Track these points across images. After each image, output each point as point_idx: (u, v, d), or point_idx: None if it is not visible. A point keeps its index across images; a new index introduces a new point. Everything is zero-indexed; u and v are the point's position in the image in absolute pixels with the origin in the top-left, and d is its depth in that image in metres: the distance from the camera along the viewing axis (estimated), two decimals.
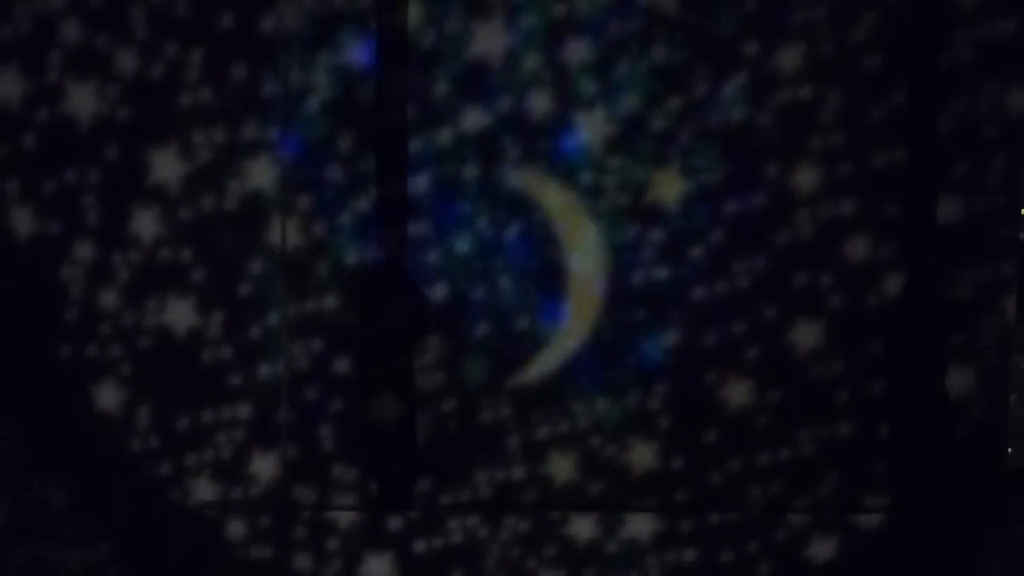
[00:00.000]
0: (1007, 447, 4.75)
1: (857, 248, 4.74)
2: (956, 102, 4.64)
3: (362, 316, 4.77)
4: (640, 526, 4.85)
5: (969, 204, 4.68)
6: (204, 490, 4.86)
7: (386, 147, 4.77)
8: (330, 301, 4.84)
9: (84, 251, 4.82)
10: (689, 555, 4.87)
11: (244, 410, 4.87)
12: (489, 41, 4.71)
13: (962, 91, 4.64)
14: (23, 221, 4.81)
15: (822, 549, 4.81)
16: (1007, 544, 4.66)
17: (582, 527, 4.86)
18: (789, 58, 4.70)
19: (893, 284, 4.74)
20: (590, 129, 4.77)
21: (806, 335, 4.79)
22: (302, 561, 4.89)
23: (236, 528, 4.87)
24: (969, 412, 4.72)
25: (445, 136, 4.77)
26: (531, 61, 4.74)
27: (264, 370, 4.83)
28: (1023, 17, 4.59)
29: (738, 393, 4.83)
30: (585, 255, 4.83)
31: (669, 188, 4.79)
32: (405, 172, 4.77)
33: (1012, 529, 4.65)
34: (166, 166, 4.78)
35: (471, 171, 4.79)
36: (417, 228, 4.80)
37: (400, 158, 4.76)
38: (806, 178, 4.75)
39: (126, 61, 4.72)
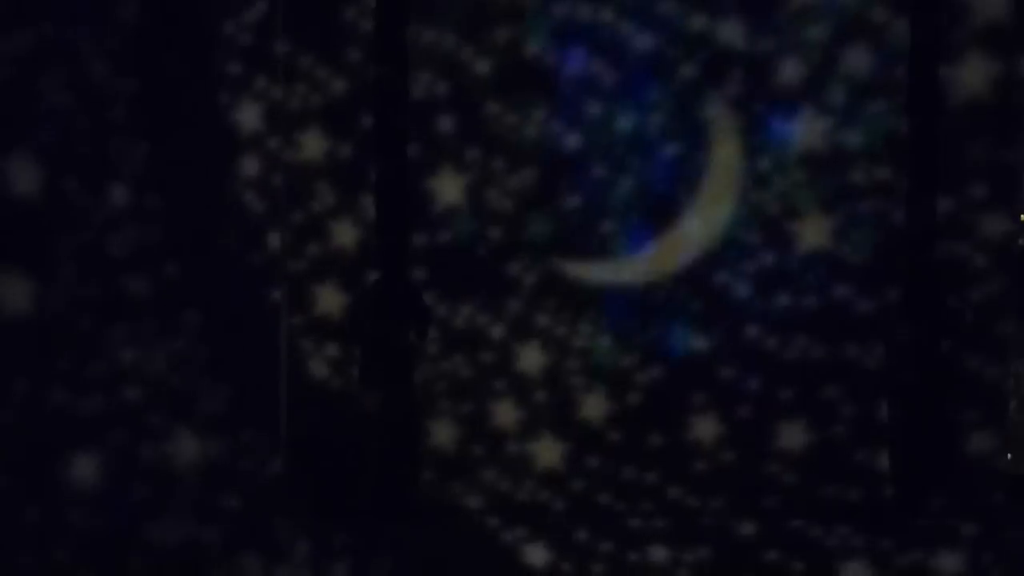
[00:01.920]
0: (1006, 453, 4.69)
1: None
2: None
3: None
4: (548, 453, 4.71)
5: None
6: None
7: None
8: None
9: None
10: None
11: None
12: None
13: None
14: None
15: None
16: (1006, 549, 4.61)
17: (505, 414, 4.70)
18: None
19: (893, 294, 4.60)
20: (807, 130, 4.54)
21: (795, 437, 4.68)
22: None
23: None
24: (968, 419, 4.62)
25: (697, 25, 4.50)
26: (818, 31, 4.48)
27: None
28: None
29: (705, 430, 4.70)
30: (702, 222, 4.62)
31: (813, 233, 4.59)
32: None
33: (1011, 534, 4.60)
34: None
35: (690, 71, 4.53)
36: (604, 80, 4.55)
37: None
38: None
39: None
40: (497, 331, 4.69)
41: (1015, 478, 4.74)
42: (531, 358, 4.69)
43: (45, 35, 3.90)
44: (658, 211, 4.63)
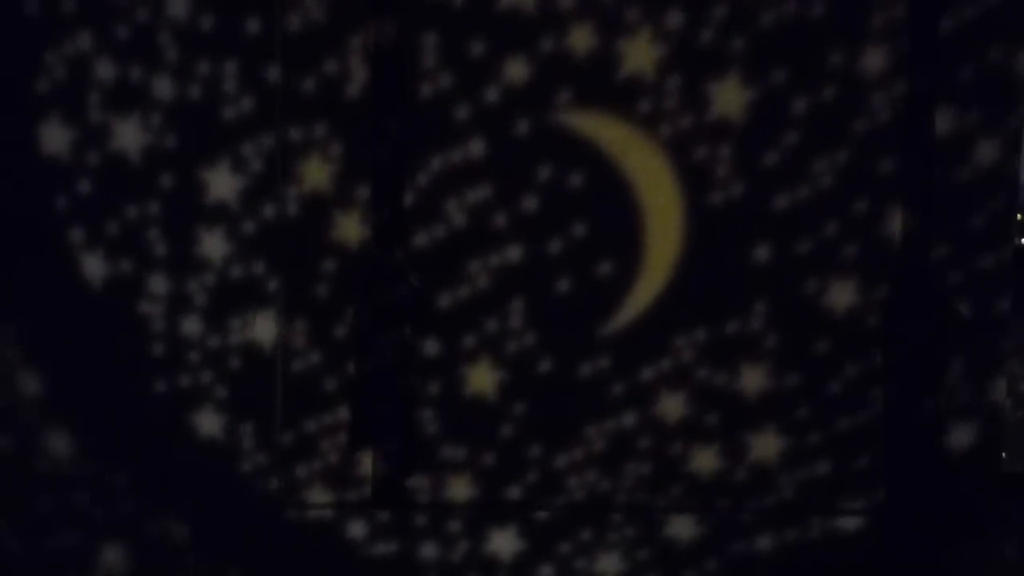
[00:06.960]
0: (1001, 452, 4.65)
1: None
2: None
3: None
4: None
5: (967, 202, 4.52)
6: (317, 496, 4.82)
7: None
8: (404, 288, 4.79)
9: (158, 283, 4.81)
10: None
11: (343, 412, 4.82)
12: None
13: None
14: (94, 265, 4.80)
15: None
16: (1002, 548, 4.51)
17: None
18: None
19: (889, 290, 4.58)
20: None
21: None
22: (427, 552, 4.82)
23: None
24: (963, 416, 4.57)
25: (492, 94, 4.68)
26: None
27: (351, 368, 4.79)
28: None
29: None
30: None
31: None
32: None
33: (1007, 533, 4.50)
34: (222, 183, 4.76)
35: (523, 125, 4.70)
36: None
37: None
38: None
39: (162, 87, 4.70)
40: None
41: (1010, 476, 4.77)
42: None
43: None
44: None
